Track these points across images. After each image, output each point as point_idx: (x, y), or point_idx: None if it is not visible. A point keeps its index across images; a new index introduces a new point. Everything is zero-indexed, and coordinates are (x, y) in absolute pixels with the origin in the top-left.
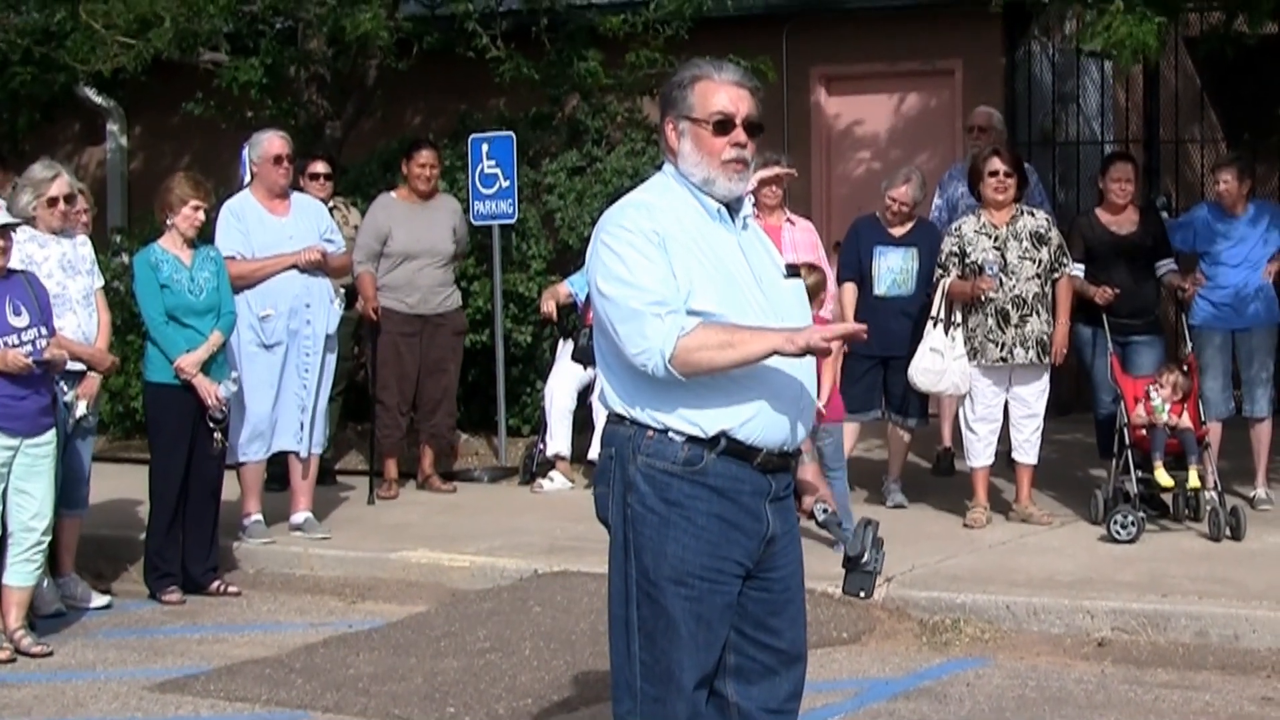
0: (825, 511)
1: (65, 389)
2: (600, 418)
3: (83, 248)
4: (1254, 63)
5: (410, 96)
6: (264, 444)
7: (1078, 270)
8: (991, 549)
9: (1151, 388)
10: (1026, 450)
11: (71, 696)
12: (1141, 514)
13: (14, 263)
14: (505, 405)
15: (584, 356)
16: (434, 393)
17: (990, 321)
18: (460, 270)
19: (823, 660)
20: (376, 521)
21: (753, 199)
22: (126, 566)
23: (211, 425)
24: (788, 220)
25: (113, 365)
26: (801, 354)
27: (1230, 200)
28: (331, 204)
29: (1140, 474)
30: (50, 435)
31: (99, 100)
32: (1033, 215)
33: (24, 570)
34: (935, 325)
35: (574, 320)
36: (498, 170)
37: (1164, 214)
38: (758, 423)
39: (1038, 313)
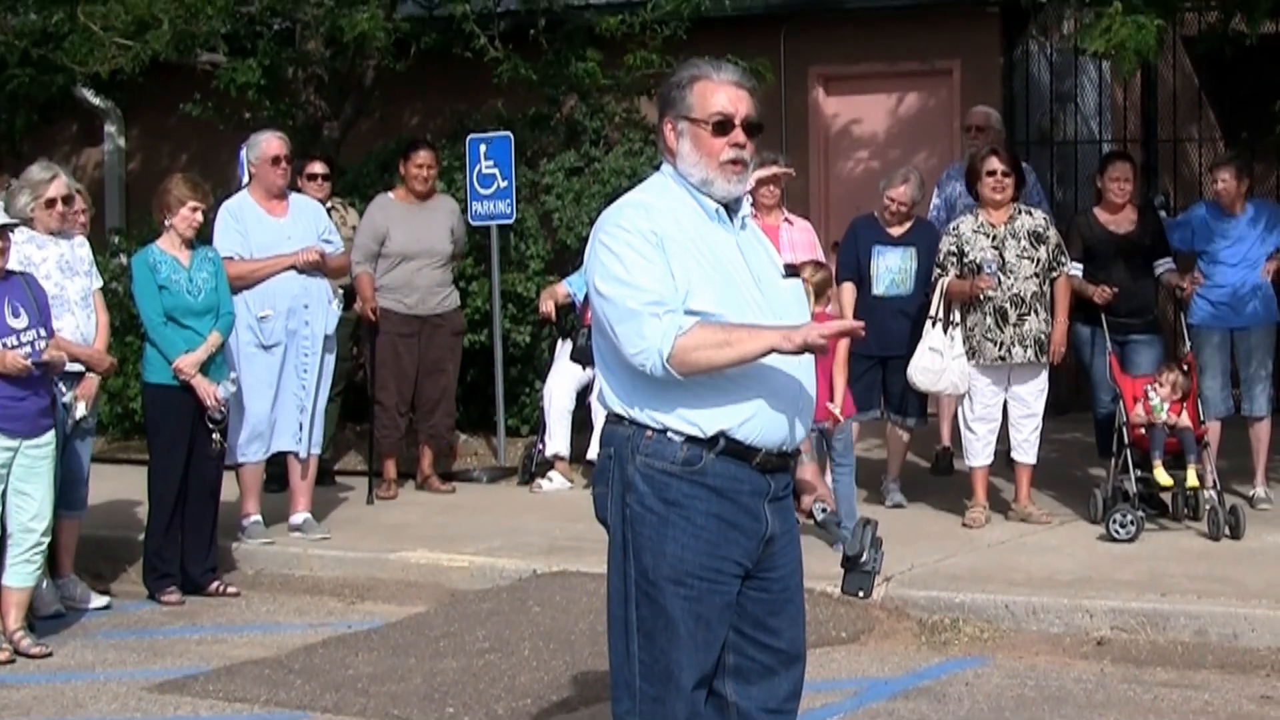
0: (824, 511)
1: (64, 390)
2: (599, 418)
3: (81, 249)
4: (1252, 62)
5: (408, 97)
6: (263, 444)
7: (1076, 269)
8: (990, 548)
9: (1150, 387)
10: (1025, 450)
11: (71, 697)
12: (1140, 513)
13: (12, 264)
14: (504, 405)
15: (582, 356)
16: (432, 393)
17: (989, 320)
18: (459, 270)
19: (822, 660)
20: (375, 522)
21: (750, 199)
22: (125, 567)
23: (210, 426)
24: (785, 220)
25: (111, 366)
26: (799, 352)
27: (1229, 199)
28: (329, 204)
29: (1139, 473)
30: (49, 436)
31: (97, 101)
32: (1031, 214)
33: (23, 571)
34: (934, 325)
35: (572, 320)
36: (496, 170)
37: (1162, 213)
38: (756, 423)
39: (1036, 311)
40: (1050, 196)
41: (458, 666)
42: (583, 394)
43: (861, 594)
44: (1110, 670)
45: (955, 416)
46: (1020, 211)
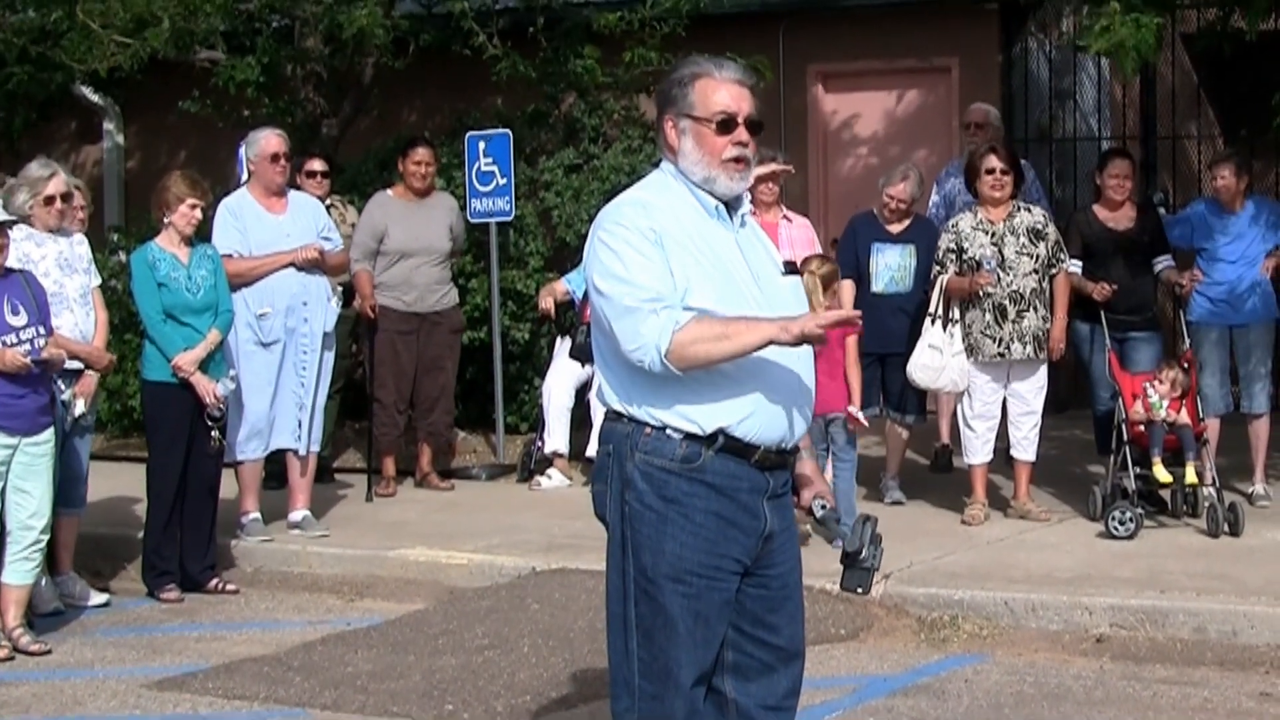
0: (824, 508)
1: (63, 388)
2: (598, 415)
3: (80, 246)
4: (1251, 58)
5: (407, 94)
6: (262, 442)
7: (1075, 267)
8: (990, 545)
9: (1149, 384)
10: (1025, 447)
11: (70, 695)
12: (1140, 510)
13: (11, 261)
14: (503, 403)
15: (582, 354)
16: (431, 390)
17: (987, 317)
18: (458, 268)
19: (821, 657)
20: (374, 519)
21: (749, 196)
22: (125, 565)
23: (209, 423)
24: (785, 217)
25: (110, 364)
26: (797, 343)
27: (1228, 196)
28: (329, 202)
29: (1138, 470)
30: (48, 434)
31: (95, 99)
32: (1029, 211)
33: (22, 569)
34: (933, 322)
35: (572, 317)
36: (494, 168)
37: (1161, 210)
38: (755, 420)
39: (1035, 308)
40: (1049, 194)
41: (457, 664)
42: (582, 391)
43: (861, 590)
44: (1109, 667)
45: (954, 414)
46: (1019, 208)
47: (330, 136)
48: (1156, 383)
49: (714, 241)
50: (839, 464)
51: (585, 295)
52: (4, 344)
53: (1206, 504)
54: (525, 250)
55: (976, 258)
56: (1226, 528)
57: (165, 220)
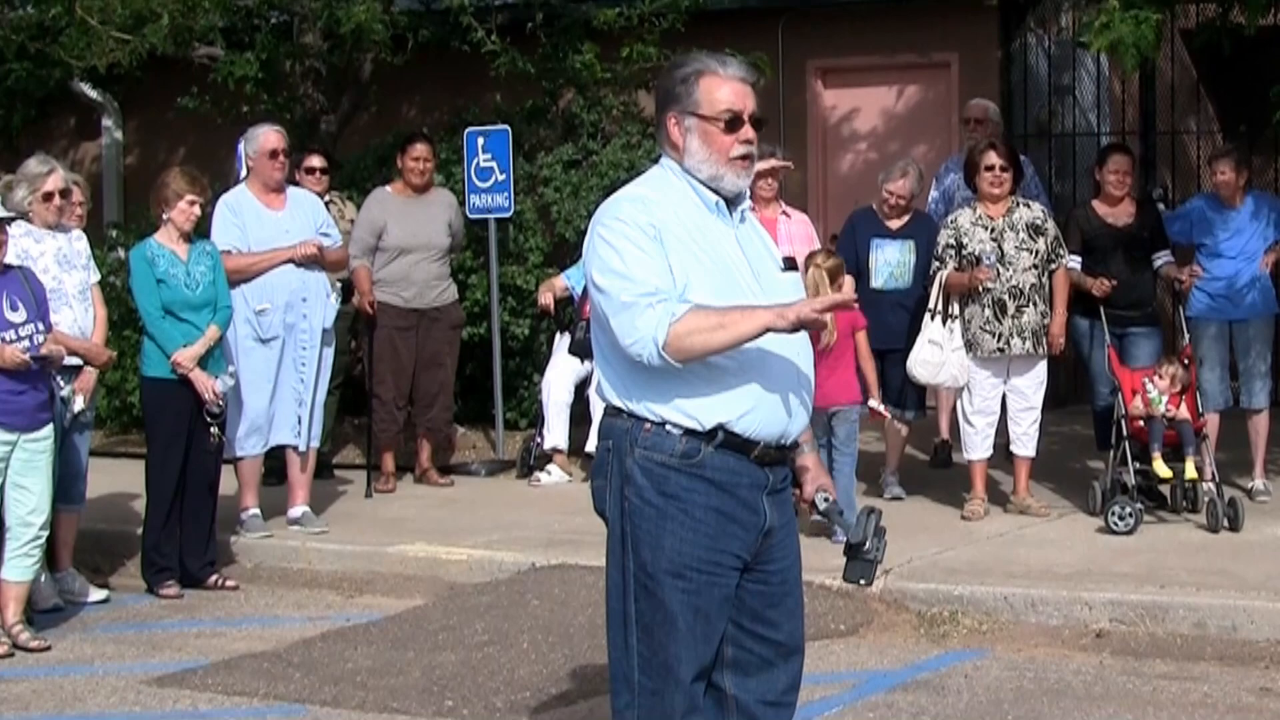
0: (826, 501)
1: (62, 384)
2: (597, 411)
3: (78, 242)
4: (1250, 54)
5: (405, 90)
6: (261, 438)
7: (1075, 262)
8: (989, 541)
9: (1149, 379)
10: (1024, 442)
11: (70, 691)
12: (1139, 506)
13: (10, 258)
14: (502, 399)
15: (581, 349)
16: (431, 387)
17: (987, 312)
18: (457, 263)
19: (820, 652)
20: (374, 515)
21: (749, 191)
22: (124, 561)
23: (209, 420)
24: (784, 213)
25: (109, 360)
26: (794, 329)
27: (1228, 192)
28: (327, 198)
29: (1138, 466)
30: (48, 430)
31: (94, 95)
32: (1029, 206)
33: (21, 565)
34: (933, 317)
35: (571, 313)
36: (493, 164)
37: (1161, 205)
38: (755, 415)
39: (1034, 304)
40: (1049, 189)
41: (456, 660)
42: (581, 387)
43: (863, 582)
44: (1109, 662)
45: (954, 409)
46: (1018, 204)
47: (329, 132)
48: (1156, 378)
49: (713, 237)
50: (839, 457)
51: (584, 291)
52: (3, 340)
53: (1206, 499)
54: (524, 246)
55: (976, 253)
56: (1226, 523)
57: (164, 216)
